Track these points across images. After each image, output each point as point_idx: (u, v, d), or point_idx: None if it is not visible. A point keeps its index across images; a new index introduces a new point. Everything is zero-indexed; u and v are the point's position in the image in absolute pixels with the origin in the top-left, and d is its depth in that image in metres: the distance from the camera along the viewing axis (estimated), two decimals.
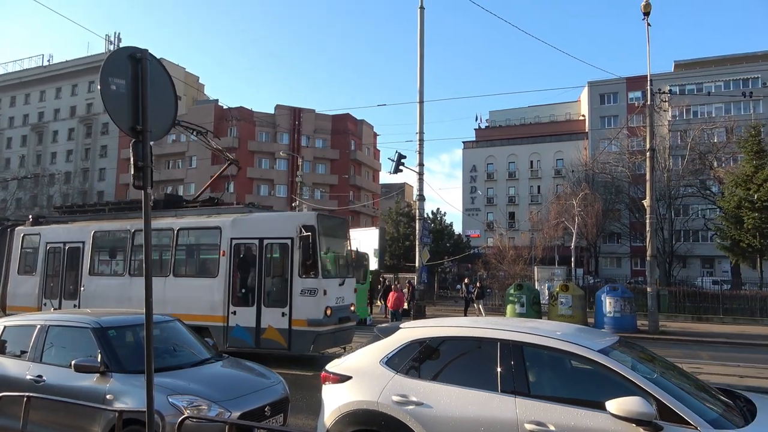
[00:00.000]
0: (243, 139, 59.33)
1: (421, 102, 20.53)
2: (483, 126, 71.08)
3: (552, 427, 3.69)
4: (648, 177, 19.94)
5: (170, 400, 4.80)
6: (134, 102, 3.84)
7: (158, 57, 4.18)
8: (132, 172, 3.82)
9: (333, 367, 4.83)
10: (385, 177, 70.79)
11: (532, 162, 64.20)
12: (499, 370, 4.06)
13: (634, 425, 3.46)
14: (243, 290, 11.61)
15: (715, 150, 41.13)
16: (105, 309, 8.48)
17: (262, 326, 11.19)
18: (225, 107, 57.18)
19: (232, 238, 11.67)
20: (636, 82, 48.91)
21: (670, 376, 4.11)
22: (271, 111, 62.20)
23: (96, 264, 13.57)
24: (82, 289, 13.26)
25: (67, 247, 13.84)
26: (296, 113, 61.66)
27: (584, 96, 63.57)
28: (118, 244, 13.41)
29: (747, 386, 9.33)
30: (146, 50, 3.93)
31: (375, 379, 4.44)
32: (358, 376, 4.55)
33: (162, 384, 4.80)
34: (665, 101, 22.83)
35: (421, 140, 20.54)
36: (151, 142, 3.89)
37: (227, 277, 11.55)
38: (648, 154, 20.14)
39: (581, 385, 4.09)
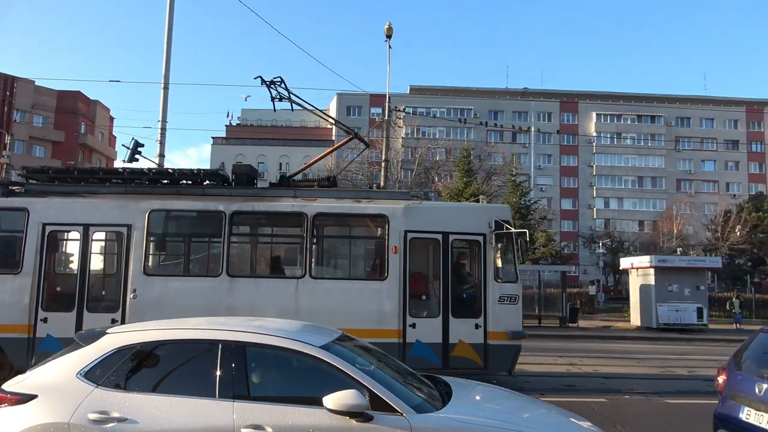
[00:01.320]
0: None
1: (166, 87, 18.93)
2: (234, 123, 69.72)
3: (270, 429, 3.56)
4: (383, 186, 21.82)
5: None
6: None
7: None
8: None
9: (11, 385, 3.92)
10: (121, 166, 64.09)
11: (281, 164, 65.16)
12: (218, 373, 3.79)
13: (347, 418, 3.54)
14: (424, 297, 9.58)
15: (437, 167, 47.47)
16: None
17: (450, 341, 9.27)
18: None
19: (406, 231, 9.40)
20: (378, 99, 53.51)
21: (384, 366, 4.37)
22: None
23: (157, 258, 9.81)
24: (131, 296, 9.07)
25: (93, 233, 9.33)
26: (8, 82, 51.49)
27: (333, 106, 67.20)
28: (202, 230, 10.03)
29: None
30: None
31: (68, 395, 3.73)
32: (46, 393, 3.78)
33: None
34: (400, 118, 25.37)
35: (164, 129, 18.90)
36: None
37: (401, 280, 9.25)
38: (383, 164, 22.08)
39: (305, 382, 4.06)
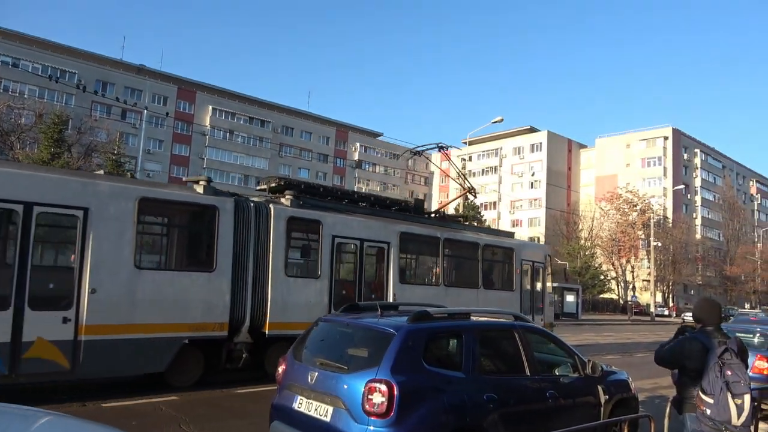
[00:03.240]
0: None
1: None
2: None
3: None
4: None
5: None
6: None
7: None
8: None
9: None
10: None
11: None
12: None
13: None
14: (528, 302, 14.73)
15: (20, 131, 39.31)
16: None
17: None
18: None
19: (522, 259, 14.64)
20: None
21: None
22: None
23: (405, 270, 12.48)
24: (391, 299, 11.37)
25: (365, 246, 11.41)
26: None
27: None
28: (427, 249, 12.99)
29: None
30: None
31: None
32: None
33: None
34: None
35: None
36: None
37: (520, 290, 14.39)
38: None
39: None
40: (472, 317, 5.60)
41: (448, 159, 17.96)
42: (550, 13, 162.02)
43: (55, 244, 8.93)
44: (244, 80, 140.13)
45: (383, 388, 4.30)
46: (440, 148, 15.70)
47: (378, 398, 4.29)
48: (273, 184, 11.45)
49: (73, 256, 8.14)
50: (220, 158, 67.60)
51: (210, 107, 67.13)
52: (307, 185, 12.09)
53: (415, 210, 13.74)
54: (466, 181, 17.12)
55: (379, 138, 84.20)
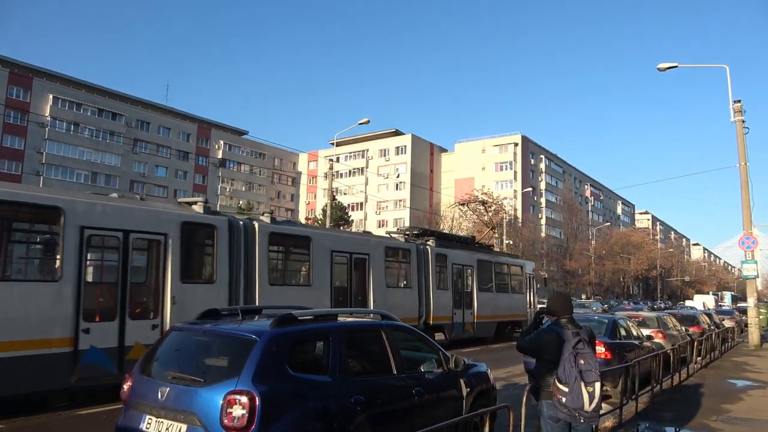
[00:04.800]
0: None
1: None
2: None
3: None
4: None
5: None
6: None
7: None
8: None
9: None
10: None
11: None
12: None
13: None
14: (530, 300, 22.95)
15: None
16: None
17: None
18: None
19: (527, 273, 23.15)
20: None
21: None
22: None
23: (479, 282, 19.41)
24: (475, 304, 19.04)
25: (464, 269, 18.75)
26: None
27: None
28: (487, 269, 20.15)
29: None
30: None
31: None
32: None
33: None
34: None
35: None
36: None
37: (528, 294, 22.88)
38: None
39: None
40: (339, 318, 5.42)
41: (485, 211, 27.67)
42: (415, 22, 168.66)
43: (358, 273, 14.54)
44: (93, 69, 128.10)
45: (244, 399, 3.96)
46: (483, 203, 27.55)
47: (238, 411, 3.94)
48: (416, 232, 18.58)
49: (364, 281, 14.54)
50: (62, 153, 60.81)
51: (50, 96, 60.16)
52: (431, 231, 20.73)
53: (472, 242, 21.92)
54: (492, 222, 26.56)
55: (245, 136, 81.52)
